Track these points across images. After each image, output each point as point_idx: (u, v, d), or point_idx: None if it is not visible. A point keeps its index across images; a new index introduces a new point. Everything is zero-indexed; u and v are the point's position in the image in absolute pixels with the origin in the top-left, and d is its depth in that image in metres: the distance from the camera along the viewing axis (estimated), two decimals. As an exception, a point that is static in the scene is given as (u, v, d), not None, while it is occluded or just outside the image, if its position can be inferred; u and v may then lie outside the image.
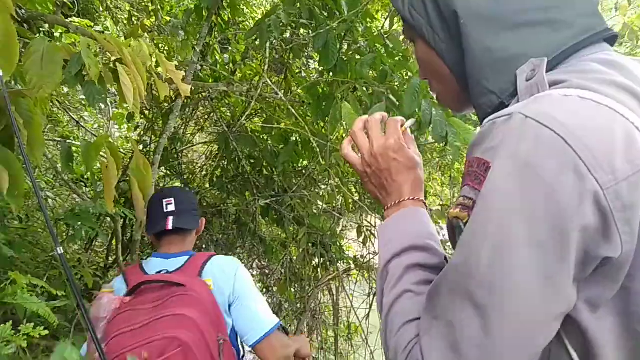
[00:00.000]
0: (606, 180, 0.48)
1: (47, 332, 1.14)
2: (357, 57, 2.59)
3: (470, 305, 0.53)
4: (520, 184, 0.50)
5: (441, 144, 2.41)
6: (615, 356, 0.54)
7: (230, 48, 3.57)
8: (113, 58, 1.30)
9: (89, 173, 3.74)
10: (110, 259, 3.54)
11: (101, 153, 1.53)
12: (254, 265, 4.58)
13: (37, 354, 1.96)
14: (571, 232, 0.49)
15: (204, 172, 4.19)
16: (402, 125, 0.81)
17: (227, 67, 3.48)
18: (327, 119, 2.44)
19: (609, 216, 0.48)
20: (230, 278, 1.52)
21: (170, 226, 1.52)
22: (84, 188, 3.97)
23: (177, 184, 4.26)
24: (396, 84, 2.50)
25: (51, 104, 3.64)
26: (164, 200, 1.57)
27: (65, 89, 4.17)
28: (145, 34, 3.01)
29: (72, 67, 1.19)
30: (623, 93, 0.54)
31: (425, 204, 0.80)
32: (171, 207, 1.56)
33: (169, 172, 3.97)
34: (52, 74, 1.14)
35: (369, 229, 3.89)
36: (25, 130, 1.21)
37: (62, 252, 0.90)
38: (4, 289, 1.25)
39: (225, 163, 3.86)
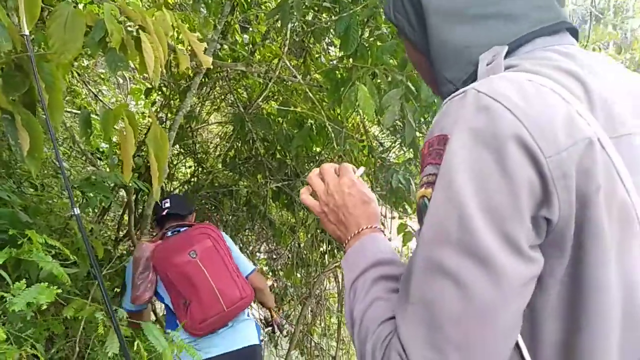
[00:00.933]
0: (549, 150, 0.53)
1: (60, 291, 1.16)
2: (379, 43, 2.56)
3: (444, 276, 0.54)
4: (475, 152, 0.54)
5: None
6: (552, 328, 0.56)
7: (250, 28, 3.55)
8: (135, 27, 1.31)
9: (104, 146, 3.78)
10: (120, 232, 3.59)
11: (119, 125, 1.55)
12: (262, 249, 4.61)
13: (46, 317, 2.01)
14: (521, 196, 0.53)
15: (217, 152, 4.21)
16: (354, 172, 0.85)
17: (246, 47, 3.47)
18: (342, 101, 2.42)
19: (550, 183, 0.53)
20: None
21: (165, 212, 2.42)
22: (98, 161, 4.02)
23: (190, 163, 4.29)
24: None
25: (70, 76, 3.67)
26: (162, 201, 2.46)
27: (85, 62, 4.20)
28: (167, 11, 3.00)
29: (96, 33, 1.19)
30: (568, 77, 0.59)
31: (383, 232, 0.82)
32: (167, 205, 2.46)
33: (182, 150, 4.00)
34: (75, 39, 1.15)
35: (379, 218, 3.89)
36: (47, 94, 1.22)
37: (79, 212, 0.92)
38: (20, 247, 1.27)
39: (239, 144, 3.87)
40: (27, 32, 1.00)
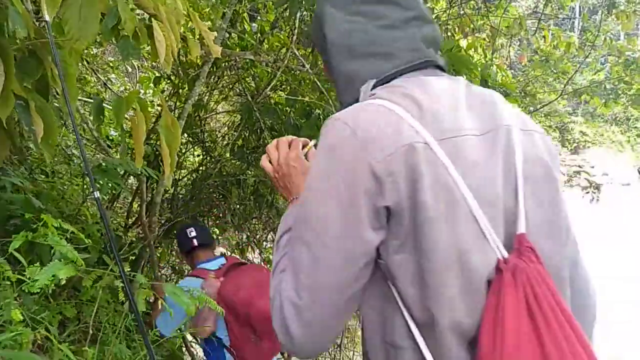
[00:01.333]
0: (377, 156, 0.73)
1: (75, 272, 1.19)
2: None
3: (304, 245, 0.78)
4: (326, 160, 0.78)
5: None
6: (409, 284, 0.75)
7: (259, 17, 3.55)
8: (147, 15, 1.32)
9: (113, 134, 3.81)
10: (130, 219, 3.63)
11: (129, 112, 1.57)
12: (269, 238, 4.64)
13: (59, 301, 2.05)
14: (358, 192, 0.73)
15: (225, 141, 4.22)
16: (305, 146, 1.04)
17: (255, 36, 3.47)
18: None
19: (380, 180, 0.72)
20: None
21: (196, 243, 2.48)
22: (108, 148, 4.05)
23: (199, 151, 4.31)
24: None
25: (79, 64, 3.70)
26: (186, 230, 2.55)
27: (94, 50, 4.22)
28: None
29: (109, 21, 1.21)
30: (407, 100, 0.78)
31: None
32: (193, 234, 2.50)
33: (190, 139, 4.02)
34: (90, 26, 1.16)
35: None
36: (60, 81, 1.24)
37: (99, 195, 0.95)
38: (35, 231, 1.30)
39: (247, 133, 3.89)
40: (48, 19, 1.02)
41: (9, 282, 1.25)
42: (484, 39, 3.94)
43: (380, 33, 0.86)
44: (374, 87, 0.84)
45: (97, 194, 0.95)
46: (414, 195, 0.72)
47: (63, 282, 1.18)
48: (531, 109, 4.01)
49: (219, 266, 2.42)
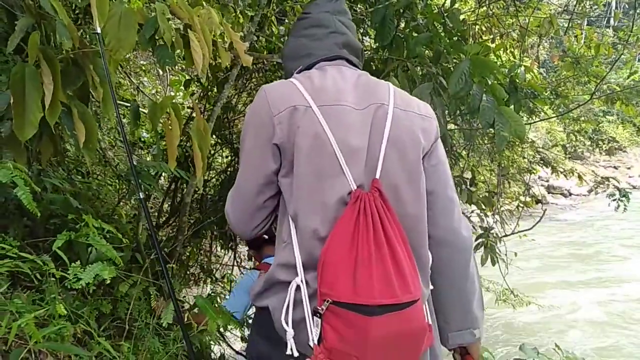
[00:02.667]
0: (275, 111, 1.10)
1: (116, 271, 1.25)
2: (414, 34, 2.56)
3: (239, 170, 1.20)
4: (250, 113, 1.18)
5: (492, 130, 2.36)
6: (289, 199, 1.10)
7: (286, 20, 3.59)
8: (181, 24, 1.37)
9: (145, 136, 3.93)
10: (160, 219, 3.73)
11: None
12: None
13: (95, 297, 2.14)
14: (263, 133, 1.11)
15: (253, 143, 4.27)
16: None
17: (282, 39, 3.52)
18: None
19: (274, 126, 1.09)
20: None
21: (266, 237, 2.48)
22: (139, 150, 4.17)
23: (227, 152, 4.39)
24: (450, 66, 2.47)
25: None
26: None
27: (128, 54, 4.35)
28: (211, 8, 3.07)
29: (147, 31, 1.26)
30: (308, 79, 1.16)
31: None
32: None
33: (219, 140, 4.10)
34: (128, 36, 1.22)
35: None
36: (101, 88, 1.31)
37: (143, 196, 1.02)
38: (77, 231, 1.37)
39: (274, 135, 3.94)
40: (99, 31, 1.09)
41: (53, 279, 1.32)
42: (513, 39, 3.88)
43: (309, 43, 1.27)
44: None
45: (141, 195, 1.02)
46: (293, 138, 1.08)
47: (108, 281, 1.24)
48: (561, 110, 3.92)
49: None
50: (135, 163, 2.25)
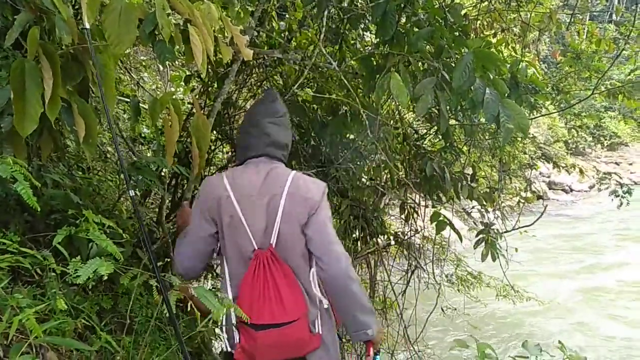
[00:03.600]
0: (208, 199, 1.74)
1: (115, 269, 1.25)
2: (416, 29, 2.55)
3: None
4: (198, 194, 1.83)
5: (493, 126, 2.36)
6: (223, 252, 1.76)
7: (287, 15, 3.58)
8: (181, 19, 1.37)
9: (146, 132, 3.92)
10: (162, 214, 3.72)
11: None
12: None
13: (96, 292, 2.14)
14: (203, 210, 1.74)
15: (253, 139, 4.27)
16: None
17: (282, 34, 3.50)
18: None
19: (208, 209, 1.74)
20: None
21: None
22: (140, 146, 4.17)
23: (227, 148, 4.39)
24: (452, 61, 2.45)
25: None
26: None
27: (128, 50, 4.34)
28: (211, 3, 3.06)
29: (147, 26, 1.26)
30: (231, 173, 1.74)
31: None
32: None
33: (219, 136, 4.09)
34: (129, 32, 1.22)
35: (413, 206, 3.89)
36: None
37: (134, 194, 1.00)
38: (77, 226, 1.37)
39: (275, 131, 3.93)
40: (88, 26, 1.08)
41: (53, 274, 1.32)
42: (515, 35, 3.86)
43: (248, 140, 1.77)
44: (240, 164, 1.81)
45: (132, 192, 1.02)
46: (219, 217, 1.69)
47: (105, 277, 1.25)
48: (563, 106, 3.91)
49: None
50: (135, 159, 2.25)
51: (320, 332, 1.69)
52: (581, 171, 4.11)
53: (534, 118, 3.32)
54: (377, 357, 1.79)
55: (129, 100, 2.67)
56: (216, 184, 1.69)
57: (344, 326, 1.82)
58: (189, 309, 1.41)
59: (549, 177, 18.55)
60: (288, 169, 1.80)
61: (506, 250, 3.33)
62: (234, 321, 1.63)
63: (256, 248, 1.62)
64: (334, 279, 1.67)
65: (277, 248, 1.63)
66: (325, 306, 1.76)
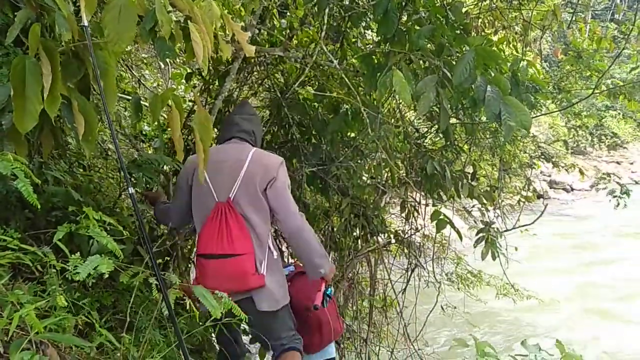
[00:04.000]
0: (187, 166, 2.21)
1: (114, 267, 1.25)
2: (417, 27, 2.54)
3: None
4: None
5: (494, 124, 2.35)
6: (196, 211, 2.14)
7: (288, 13, 3.58)
8: (182, 16, 1.37)
9: (147, 129, 3.93)
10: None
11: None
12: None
13: (97, 290, 2.15)
14: (183, 175, 2.19)
15: (254, 137, 4.27)
16: None
17: (284, 32, 3.50)
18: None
19: (186, 174, 2.22)
20: None
21: None
22: (141, 144, 4.17)
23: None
24: (453, 59, 2.45)
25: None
26: None
27: (129, 47, 4.34)
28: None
29: (147, 23, 1.26)
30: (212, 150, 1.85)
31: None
32: None
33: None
34: (128, 29, 1.22)
35: (413, 204, 3.89)
36: (101, 80, 1.30)
37: (133, 191, 1.00)
38: (76, 223, 1.37)
39: (276, 129, 3.94)
40: (86, 23, 1.08)
41: (54, 271, 1.33)
42: (516, 33, 3.85)
43: (224, 129, 2.23)
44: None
45: (131, 190, 1.01)
46: (192, 181, 2.07)
47: (106, 275, 1.25)
48: (564, 104, 3.90)
49: (288, 272, 2.45)
50: (136, 156, 2.25)
51: (264, 274, 2.00)
52: (581, 171, 4.10)
53: (535, 117, 3.31)
54: (329, 290, 2.17)
55: (130, 97, 2.67)
56: (193, 159, 2.05)
57: (304, 269, 2.19)
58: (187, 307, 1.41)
59: (549, 176, 18.53)
60: (253, 147, 2.16)
61: (506, 249, 3.33)
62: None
63: (217, 201, 1.98)
64: (292, 231, 2.06)
65: (234, 202, 1.98)
66: (275, 257, 2.11)
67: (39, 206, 1.22)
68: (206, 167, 1.54)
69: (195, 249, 2.02)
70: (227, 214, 1.94)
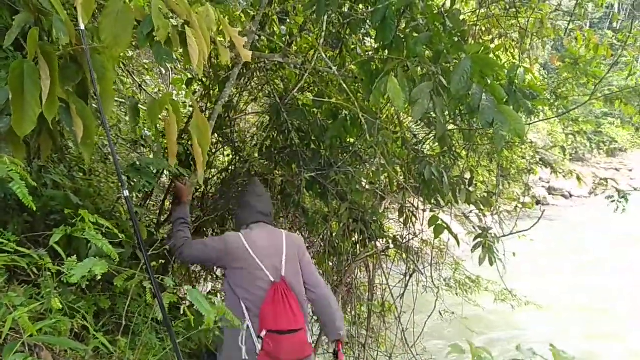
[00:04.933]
0: (233, 247, 2.42)
1: (109, 269, 1.26)
2: (415, 34, 2.56)
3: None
4: (226, 237, 2.49)
5: (491, 131, 2.36)
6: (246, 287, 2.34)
7: (288, 20, 3.60)
8: (180, 21, 1.38)
9: (146, 134, 3.94)
10: (162, 216, 3.74)
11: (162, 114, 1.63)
12: (295, 236, 4.68)
13: (94, 293, 2.15)
14: (222, 249, 2.42)
15: (254, 142, 4.30)
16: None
17: (283, 38, 3.52)
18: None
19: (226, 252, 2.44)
20: None
21: None
22: (141, 148, 4.18)
23: (228, 151, 4.40)
24: (450, 66, 2.47)
25: (116, 67, 3.83)
26: None
27: (130, 53, 4.37)
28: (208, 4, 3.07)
29: (144, 28, 1.27)
30: (244, 232, 2.46)
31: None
32: None
33: (220, 139, 4.11)
34: (125, 34, 1.23)
35: (411, 210, 3.89)
36: (99, 85, 1.32)
37: (128, 194, 1.01)
38: (73, 226, 1.38)
39: (275, 134, 3.95)
40: (83, 27, 1.09)
41: (49, 273, 1.33)
42: (513, 40, 3.87)
43: (245, 213, 2.52)
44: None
45: (126, 193, 1.02)
46: (234, 258, 2.33)
47: (99, 277, 1.25)
48: (561, 111, 3.91)
49: None
50: (135, 160, 2.26)
51: (310, 341, 2.35)
52: (579, 178, 4.11)
53: (532, 123, 3.33)
54: (342, 350, 2.49)
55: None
56: (236, 237, 2.37)
57: (324, 329, 2.64)
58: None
59: (548, 182, 18.54)
60: (277, 228, 2.64)
61: (504, 254, 3.33)
62: (253, 333, 2.20)
63: (272, 280, 2.25)
64: (321, 298, 2.41)
65: (285, 279, 2.29)
66: (308, 323, 2.48)
67: (34, 208, 1.23)
68: (201, 179, 1.65)
69: (259, 324, 2.19)
70: (287, 293, 2.25)
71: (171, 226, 2.49)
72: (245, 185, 2.78)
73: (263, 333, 2.17)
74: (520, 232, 3.17)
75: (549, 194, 18.59)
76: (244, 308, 2.23)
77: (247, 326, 2.21)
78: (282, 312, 2.20)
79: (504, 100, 2.22)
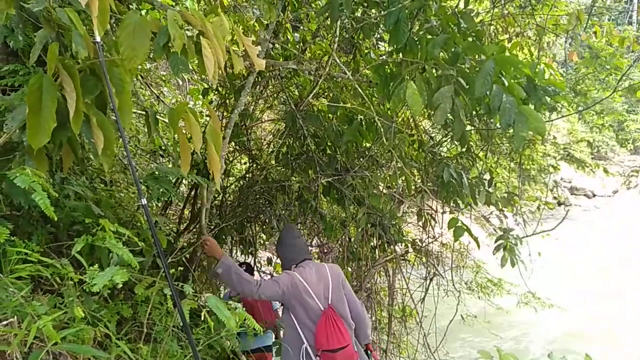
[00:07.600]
0: (293, 282, 2.79)
1: (130, 277, 1.27)
2: (429, 36, 2.54)
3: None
4: (286, 276, 2.86)
5: (510, 130, 2.33)
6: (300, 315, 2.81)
7: (301, 27, 3.62)
8: (195, 32, 1.40)
9: (166, 144, 3.99)
10: (181, 225, 3.78)
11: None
12: (313, 243, 4.70)
13: (116, 301, 2.18)
14: (287, 286, 2.79)
15: (270, 149, 4.32)
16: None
17: (297, 45, 3.54)
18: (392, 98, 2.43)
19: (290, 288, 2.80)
20: None
21: None
22: (160, 158, 4.25)
23: (245, 159, 4.44)
24: (466, 67, 2.44)
25: (134, 79, 3.90)
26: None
27: (148, 65, 4.45)
28: (222, 13, 3.10)
29: (160, 39, 1.29)
30: (299, 270, 2.83)
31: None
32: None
33: (237, 147, 4.15)
34: (142, 46, 1.25)
35: (430, 213, 3.86)
36: (117, 97, 1.34)
37: (146, 202, 1.02)
38: (94, 235, 1.40)
39: (291, 141, 3.97)
40: (99, 39, 1.11)
41: (72, 282, 1.35)
42: (529, 38, 3.82)
43: (291, 254, 2.93)
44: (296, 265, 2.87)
45: (143, 201, 1.03)
46: (295, 292, 2.72)
47: (120, 285, 1.27)
48: (581, 107, 3.84)
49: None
50: (154, 170, 2.29)
51: (356, 350, 2.81)
52: (605, 170, 4.02)
53: (552, 120, 3.27)
54: (369, 352, 2.98)
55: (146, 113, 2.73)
56: (294, 275, 2.76)
57: (357, 335, 2.96)
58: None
59: (570, 182, 18.16)
60: (321, 263, 3.21)
61: (529, 254, 3.27)
62: (311, 352, 2.69)
63: (322, 308, 2.72)
64: (359, 313, 2.90)
65: (333, 306, 2.76)
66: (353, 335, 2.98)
67: (55, 218, 1.25)
68: (217, 185, 1.84)
69: (315, 344, 2.69)
70: (335, 318, 2.73)
71: (221, 273, 2.68)
72: (282, 230, 3.20)
73: (319, 352, 2.68)
74: (541, 232, 3.11)
75: (572, 194, 18.21)
76: (301, 333, 2.73)
77: (305, 348, 2.72)
78: (332, 333, 2.70)
79: (525, 99, 2.19)
